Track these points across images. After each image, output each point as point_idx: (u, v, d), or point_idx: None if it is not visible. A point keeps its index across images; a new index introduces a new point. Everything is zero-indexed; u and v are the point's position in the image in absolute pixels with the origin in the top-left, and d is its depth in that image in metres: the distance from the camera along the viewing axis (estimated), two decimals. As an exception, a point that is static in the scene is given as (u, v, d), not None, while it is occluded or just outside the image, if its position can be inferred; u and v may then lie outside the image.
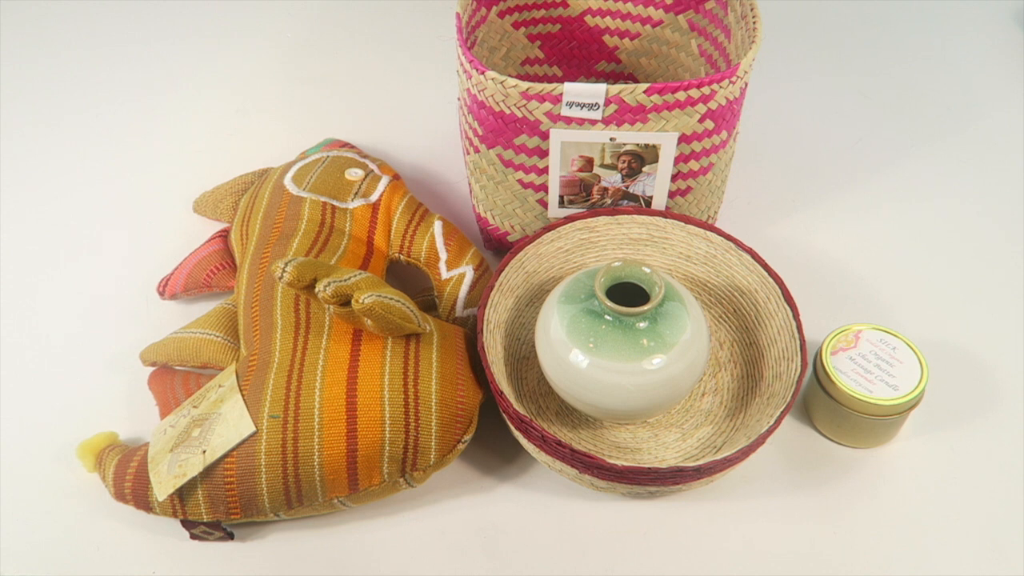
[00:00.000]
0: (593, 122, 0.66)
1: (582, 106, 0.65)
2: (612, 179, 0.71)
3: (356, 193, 0.78)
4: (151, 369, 0.73)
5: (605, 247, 0.75)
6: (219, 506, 0.60)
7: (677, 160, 0.70)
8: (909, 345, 0.66)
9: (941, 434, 0.69)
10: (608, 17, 0.89)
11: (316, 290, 0.59)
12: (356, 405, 0.60)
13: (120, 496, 0.62)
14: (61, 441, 0.69)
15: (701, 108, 0.66)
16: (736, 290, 0.72)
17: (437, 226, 0.77)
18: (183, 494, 0.60)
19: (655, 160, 0.69)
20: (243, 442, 0.59)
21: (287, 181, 0.78)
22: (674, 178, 0.72)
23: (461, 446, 0.62)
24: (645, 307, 0.60)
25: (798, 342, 0.65)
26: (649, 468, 0.56)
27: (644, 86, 0.64)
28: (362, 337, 0.63)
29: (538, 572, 0.62)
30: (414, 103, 1.00)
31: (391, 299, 0.60)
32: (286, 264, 0.59)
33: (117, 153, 0.94)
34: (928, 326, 0.77)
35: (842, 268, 0.82)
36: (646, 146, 0.68)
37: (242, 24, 1.12)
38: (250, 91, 1.02)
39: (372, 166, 0.82)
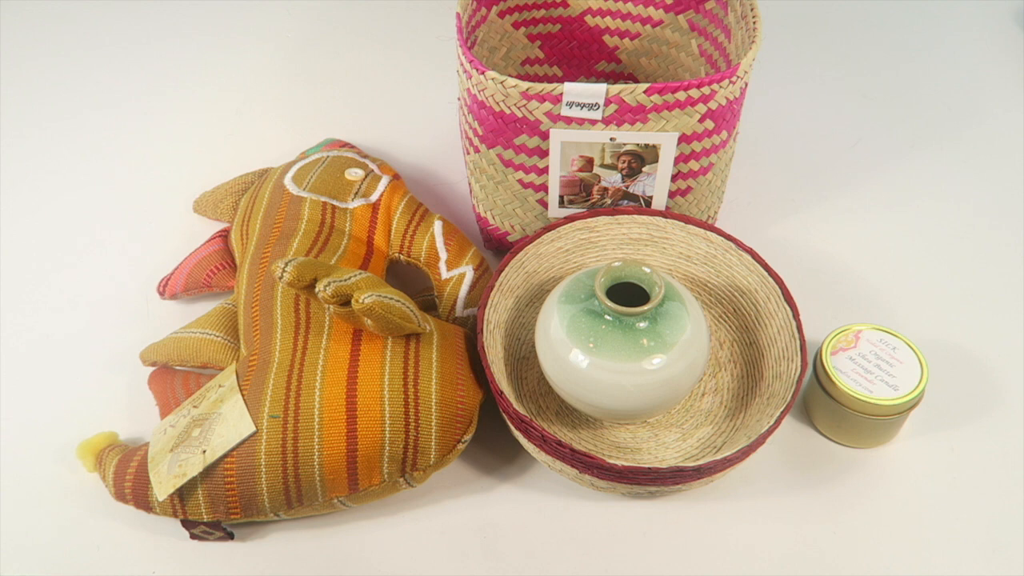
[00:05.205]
0: (593, 122, 0.66)
1: (582, 106, 0.65)
2: (612, 179, 0.71)
3: (356, 193, 0.78)
4: (151, 369, 0.73)
5: (605, 247, 0.75)
6: (219, 506, 0.60)
7: (677, 160, 0.70)
8: (909, 345, 0.66)
9: (941, 434, 0.69)
10: (608, 17, 0.89)
11: (316, 290, 0.59)
12: (356, 405, 0.60)
13: (120, 496, 0.62)
14: (61, 441, 0.69)
15: (701, 108, 0.66)
16: (736, 290, 0.72)
17: (437, 226, 0.77)
18: (183, 494, 0.60)
19: (655, 160, 0.69)
20: (243, 442, 0.59)
21: (287, 181, 0.78)
22: (674, 178, 0.72)
23: (461, 446, 0.62)
24: (645, 307, 0.60)
25: (798, 342, 0.65)
26: (649, 468, 0.56)
27: (644, 86, 0.64)
28: (362, 337, 0.63)
29: (538, 572, 0.62)
30: (414, 103, 1.00)
31: (391, 299, 0.60)
32: (286, 264, 0.59)
33: (117, 153, 0.94)
34: (928, 326, 0.77)
35: (842, 268, 0.82)
36: (646, 146, 0.68)
37: (242, 24, 1.12)
38: (250, 91, 1.02)
39: (372, 166, 0.82)
